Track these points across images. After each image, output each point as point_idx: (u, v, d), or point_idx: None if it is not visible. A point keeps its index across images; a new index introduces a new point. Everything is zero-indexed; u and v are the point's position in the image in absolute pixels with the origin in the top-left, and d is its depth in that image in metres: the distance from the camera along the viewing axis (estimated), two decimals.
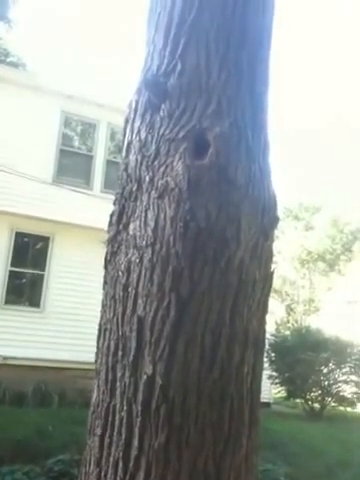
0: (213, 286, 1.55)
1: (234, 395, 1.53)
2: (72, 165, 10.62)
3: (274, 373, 11.59)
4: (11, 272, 9.81)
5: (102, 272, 1.79)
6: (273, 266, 1.80)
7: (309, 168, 31.96)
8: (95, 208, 9.32)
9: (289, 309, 29.21)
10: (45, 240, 10.16)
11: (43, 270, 9.98)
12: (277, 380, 11.82)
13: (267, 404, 11.45)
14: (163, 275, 1.53)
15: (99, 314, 1.74)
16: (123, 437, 1.49)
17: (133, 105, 1.81)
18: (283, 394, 12.61)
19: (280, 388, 12.44)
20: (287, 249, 29.93)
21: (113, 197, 1.83)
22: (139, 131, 1.74)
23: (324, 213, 32.38)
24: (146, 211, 1.62)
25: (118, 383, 1.54)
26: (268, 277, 1.74)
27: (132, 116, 1.80)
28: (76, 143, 11.19)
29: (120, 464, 1.47)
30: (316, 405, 11.52)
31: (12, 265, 9.81)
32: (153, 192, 1.62)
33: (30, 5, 33.97)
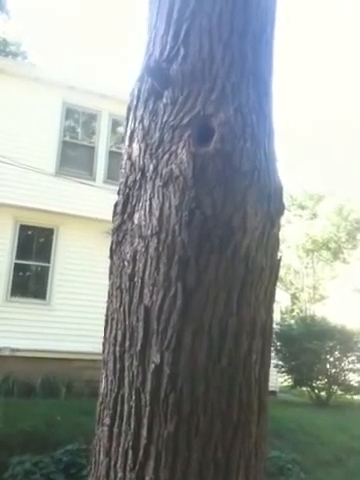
0: (220, 275, 1.53)
1: (242, 384, 1.53)
2: (75, 156, 10.61)
3: (280, 362, 11.62)
4: (16, 265, 9.85)
5: (107, 262, 1.78)
6: (279, 254, 1.78)
7: (314, 159, 31.92)
8: (98, 199, 9.32)
9: (294, 298, 29.21)
10: (49, 232, 10.17)
11: (48, 262, 10.01)
12: (283, 369, 11.86)
13: (273, 393, 11.49)
14: (169, 264, 1.51)
15: (105, 304, 1.73)
16: (132, 426, 1.48)
17: (136, 92, 1.78)
18: (289, 383, 12.65)
19: (286, 377, 12.48)
20: (291, 237, 29.85)
21: (116, 188, 1.80)
22: (142, 119, 1.71)
23: (329, 201, 32.22)
24: (151, 200, 1.60)
25: (126, 372, 1.53)
26: (275, 265, 1.72)
27: (135, 104, 1.77)
28: (78, 134, 11.15)
29: (130, 453, 1.47)
30: (322, 393, 11.56)
31: (17, 258, 9.84)
32: (157, 180, 1.60)
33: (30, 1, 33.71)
